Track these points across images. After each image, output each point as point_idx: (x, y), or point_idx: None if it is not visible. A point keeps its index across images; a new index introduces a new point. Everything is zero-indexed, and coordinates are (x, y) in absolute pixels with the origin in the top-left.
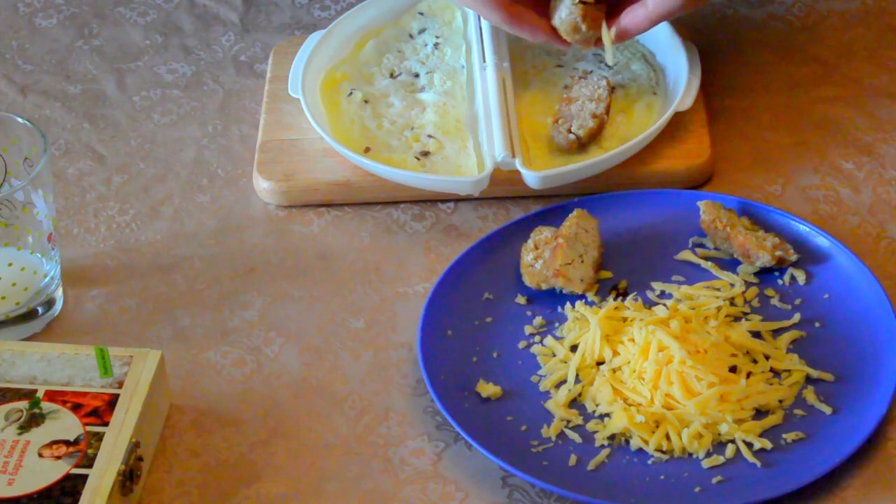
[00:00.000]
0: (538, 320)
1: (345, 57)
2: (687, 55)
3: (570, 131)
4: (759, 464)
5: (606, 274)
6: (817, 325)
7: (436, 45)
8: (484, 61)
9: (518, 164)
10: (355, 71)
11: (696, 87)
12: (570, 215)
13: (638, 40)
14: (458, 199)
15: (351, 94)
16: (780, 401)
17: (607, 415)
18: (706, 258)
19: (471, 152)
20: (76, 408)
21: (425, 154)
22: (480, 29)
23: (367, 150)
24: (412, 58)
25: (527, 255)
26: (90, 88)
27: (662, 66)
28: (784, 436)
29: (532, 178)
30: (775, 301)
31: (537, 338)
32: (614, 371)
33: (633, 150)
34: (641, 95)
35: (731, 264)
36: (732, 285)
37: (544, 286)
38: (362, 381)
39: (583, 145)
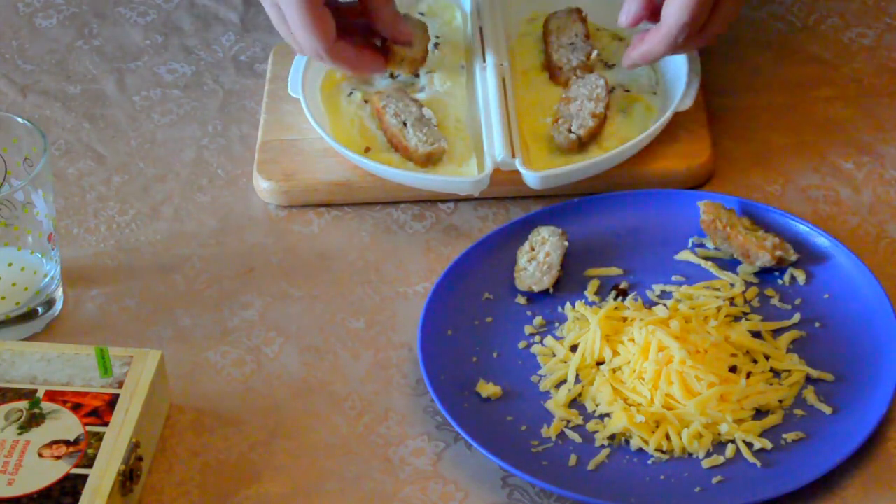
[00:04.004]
0: (538, 320)
1: None
2: (687, 55)
3: (570, 131)
4: (759, 464)
5: (606, 273)
6: (817, 325)
7: (436, 45)
8: (484, 61)
9: (518, 164)
10: None
11: (697, 87)
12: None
13: None
14: (458, 199)
15: (351, 94)
16: (780, 401)
17: (607, 415)
18: (706, 258)
19: (471, 152)
20: (76, 408)
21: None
22: (480, 29)
23: (367, 150)
24: None
25: (521, 259)
26: (90, 88)
27: (662, 67)
28: (784, 436)
29: (532, 178)
30: (775, 301)
31: (537, 338)
32: (614, 371)
33: (633, 150)
34: (641, 95)
35: (731, 264)
36: (732, 285)
37: (535, 288)
38: (362, 381)
39: (583, 145)
